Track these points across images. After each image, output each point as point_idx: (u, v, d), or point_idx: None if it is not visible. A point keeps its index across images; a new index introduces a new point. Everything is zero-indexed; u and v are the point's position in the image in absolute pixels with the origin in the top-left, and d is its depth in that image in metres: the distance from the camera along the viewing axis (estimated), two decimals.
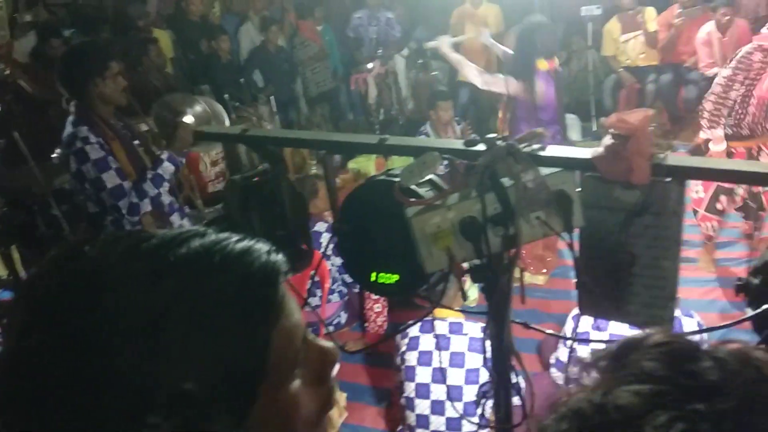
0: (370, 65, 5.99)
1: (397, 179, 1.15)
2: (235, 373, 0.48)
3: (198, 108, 2.47)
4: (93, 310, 0.46)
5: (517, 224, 1.09)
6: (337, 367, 0.60)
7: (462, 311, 2.34)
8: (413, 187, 1.17)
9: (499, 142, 1.12)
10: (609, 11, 5.75)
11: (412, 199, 1.12)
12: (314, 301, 3.16)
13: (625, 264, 1.11)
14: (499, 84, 3.66)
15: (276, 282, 0.53)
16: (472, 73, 3.77)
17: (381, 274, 1.30)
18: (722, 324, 0.93)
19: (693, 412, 0.43)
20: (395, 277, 1.29)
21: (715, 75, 5.26)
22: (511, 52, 3.87)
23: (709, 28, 5.16)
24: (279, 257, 0.54)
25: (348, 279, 3.45)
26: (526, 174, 1.09)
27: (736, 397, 0.44)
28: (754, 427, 0.43)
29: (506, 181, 1.10)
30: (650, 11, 5.61)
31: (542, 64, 3.59)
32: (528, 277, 3.82)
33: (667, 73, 5.68)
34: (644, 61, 5.72)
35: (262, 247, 0.54)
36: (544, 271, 3.87)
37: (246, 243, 0.53)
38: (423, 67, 6.21)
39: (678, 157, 1.02)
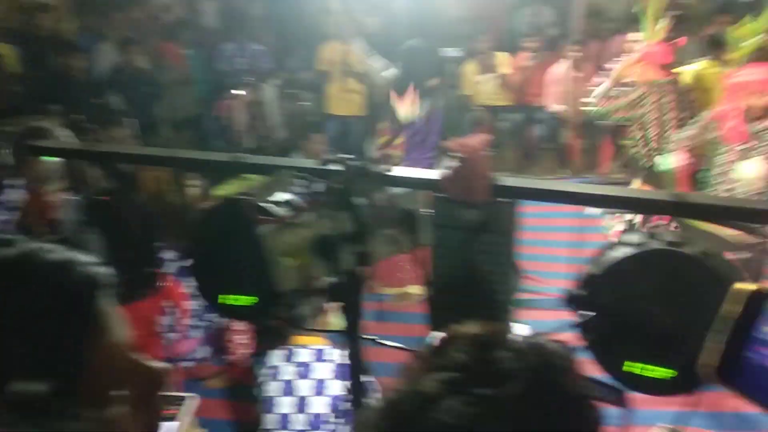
0: (238, 92, 5.89)
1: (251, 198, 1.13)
2: (42, 390, 0.45)
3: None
4: None
5: (369, 242, 1.12)
6: (195, 404, 0.59)
7: (319, 332, 2.34)
8: (269, 205, 1.17)
9: (352, 163, 1.15)
10: (468, 53, 6.18)
11: (267, 218, 1.11)
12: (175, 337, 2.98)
13: (469, 280, 1.18)
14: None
15: (92, 296, 0.50)
16: (375, 68, 3.85)
17: (236, 297, 1.27)
18: (553, 328, 1.01)
19: (480, 396, 0.47)
20: (251, 299, 1.26)
21: (561, 110, 5.89)
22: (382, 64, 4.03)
23: (564, 65, 5.78)
24: (100, 271, 0.52)
25: (213, 316, 3.33)
26: (378, 193, 1.13)
27: (523, 382, 0.48)
28: (536, 409, 0.48)
29: (359, 201, 1.13)
30: (503, 56, 6.12)
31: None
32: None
33: (518, 113, 6.19)
34: (498, 101, 6.19)
35: (82, 259, 0.52)
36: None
37: (64, 255, 0.51)
38: (293, 97, 6.23)
39: (511, 179, 1.11)
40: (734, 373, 0.44)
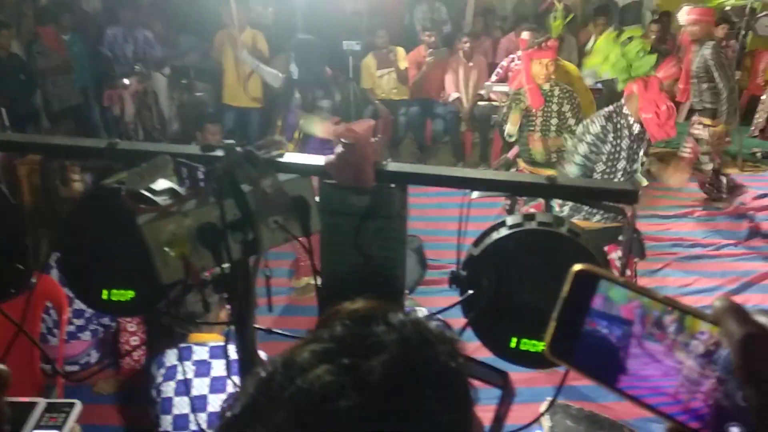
0: (126, 81, 5.56)
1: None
2: None
3: None
4: None
5: (256, 230, 1.09)
6: (78, 411, 0.54)
7: (212, 326, 2.27)
8: (146, 193, 1.11)
9: (237, 148, 1.12)
10: (367, 47, 6.20)
11: (144, 206, 1.05)
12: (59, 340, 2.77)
13: (360, 265, 1.19)
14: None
15: None
16: (270, 76, 3.75)
17: (114, 291, 1.20)
18: (439, 309, 1.04)
19: (345, 366, 0.48)
20: (130, 294, 1.19)
21: (456, 99, 6.09)
22: (276, 72, 3.94)
23: (458, 57, 6.07)
24: None
25: (106, 320, 3.15)
26: (265, 180, 1.10)
27: (389, 353, 0.49)
28: (401, 381, 0.49)
29: (246, 188, 1.10)
30: (400, 51, 6.20)
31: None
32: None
33: (416, 107, 6.31)
34: (396, 96, 6.27)
35: None
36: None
37: None
38: (187, 87, 5.98)
39: (399, 164, 1.12)
40: (568, 349, 0.47)
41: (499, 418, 0.87)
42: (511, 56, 5.72)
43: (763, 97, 6.71)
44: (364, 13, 6.83)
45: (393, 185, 1.13)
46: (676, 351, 0.44)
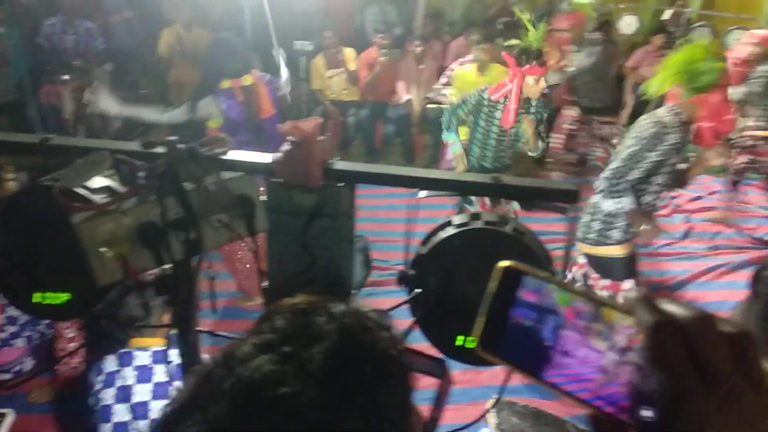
0: (65, 77, 5.33)
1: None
2: None
3: None
4: None
5: (199, 229, 1.06)
6: (10, 421, 0.53)
7: (154, 330, 2.21)
8: (83, 192, 1.06)
9: (179, 145, 1.08)
10: (319, 48, 6.16)
11: (80, 204, 1.01)
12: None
13: (306, 265, 1.17)
14: (179, 115, 3.64)
15: None
16: (145, 114, 3.68)
17: (47, 294, 1.14)
18: (389, 307, 1.04)
19: (286, 354, 0.49)
20: (65, 296, 1.14)
21: (407, 101, 6.13)
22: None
23: (409, 59, 6.14)
24: None
25: (43, 327, 3.01)
26: (208, 177, 1.07)
27: (330, 341, 0.50)
28: (341, 368, 0.50)
29: (188, 185, 1.07)
30: (349, 51, 6.18)
31: (226, 83, 3.63)
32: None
33: (366, 109, 6.31)
34: (346, 97, 6.25)
35: None
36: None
37: None
38: (130, 83, 5.79)
39: (347, 163, 1.11)
40: (497, 343, 0.49)
41: (438, 405, 0.87)
42: (461, 60, 5.80)
43: None
44: (314, 13, 6.78)
45: (341, 184, 1.12)
46: (594, 340, 0.46)
